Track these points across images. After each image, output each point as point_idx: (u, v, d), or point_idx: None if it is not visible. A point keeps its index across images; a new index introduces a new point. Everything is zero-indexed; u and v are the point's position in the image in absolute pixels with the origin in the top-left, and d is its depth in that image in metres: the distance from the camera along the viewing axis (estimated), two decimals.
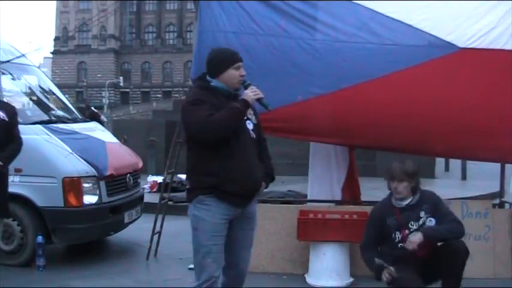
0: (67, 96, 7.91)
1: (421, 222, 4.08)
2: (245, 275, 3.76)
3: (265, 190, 8.28)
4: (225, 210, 3.48)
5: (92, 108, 15.92)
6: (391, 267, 3.93)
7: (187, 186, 3.65)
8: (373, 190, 7.09)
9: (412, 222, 4.08)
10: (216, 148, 3.43)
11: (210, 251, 3.47)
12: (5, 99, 5.81)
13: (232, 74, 3.55)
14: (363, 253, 4.28)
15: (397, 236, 4.11)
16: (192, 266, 5.40)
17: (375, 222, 4.24)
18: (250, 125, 3.60)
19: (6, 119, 4.48)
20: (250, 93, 3.51)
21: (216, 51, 3.70)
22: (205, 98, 3.47)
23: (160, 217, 6.03)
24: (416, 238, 3.95)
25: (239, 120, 3.48)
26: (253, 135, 3.60)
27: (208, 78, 3.59)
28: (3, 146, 4.43)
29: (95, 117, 9.51)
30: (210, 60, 3.61)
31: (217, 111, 3.38)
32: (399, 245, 4.09)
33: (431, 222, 4.08)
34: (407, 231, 4.06)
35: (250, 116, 3.62)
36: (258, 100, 3.55)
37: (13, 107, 4.78)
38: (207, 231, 3.47)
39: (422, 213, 4.10)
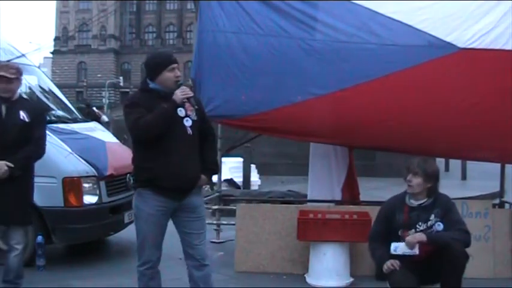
0: (67, 96, 7.90)
1: (429, 224, 4.07)
2: (205, 264, 3.91)
3: (265, 190, 8.28)
4: (160, 202, 3.75)
5: (94, 108, 15.79)
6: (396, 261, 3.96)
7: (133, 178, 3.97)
8: (373, 190, 7.11)
9: (420, 223, 4.07)
10: (151, 145, 3.68)
11: (146, 237, 3.81)
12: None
13: (167, 76, 3.74)
14: (369, 243, 4.28)
15: (401, 233, 4.11)
16: None
17: (385, 215, 4.22)
18: (188, 122, 3.76)
19: (27, 120, 4.35)
20: (179, 93, 3.69)
21: (152, 55, 4.00)
22: (140, 100, 3.76)
23: None
24: (418, 236, 3.96)
25: (167, 120, 3.66)
26: (190, 132, 3.76)
27: (148, 80, 3.81)
28: (18, 148, 4.29)
29: (94, 117, 9.50)
30: (146, 64, 3.85)
31: (150, 111, 3.64)
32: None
33: (439, 226, 4.06)
34: (412, 231, 4.05)
35: (189, 113, 3.77)
36: (188, 99, 3.73)
37: (42, 108, 4.65)
38: (144, 220, 3.80)
39: (432, 216, 4.07)
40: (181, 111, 3.75)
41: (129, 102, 3.83)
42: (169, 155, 3.69)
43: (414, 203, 4.13)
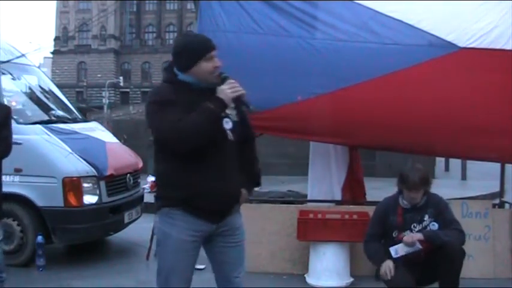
0: (67, 96, 7.91)
1: (423, 225, 4.09)
2: None
3: (265, 190, 8.29)
4: (194, 226, 2.95)
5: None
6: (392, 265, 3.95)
7: (155, 194, 3.18)
8: (373, 190, 7.09)
9: (415, 224, 4.09)
10: (186, 155, 2.87)
11: (174, 269, 2.98)
12: (4, 100, 5.81)
13: (205, 67, 2.92)
14: (365, 247, 4.27)
15: (395, 235, 4.12)
16: None
17: (379, 217, 4.24)
18: (228, 124, 2.97)
19: None
20: (228, 90, 2.89)
21: (183, 41, 3.08)
22: (173, 95, 2.89)
23: None
24: (415, 235, 3.96)
25: (214, 124, 2.87)
26: (231, 136, 2.97)
27: (175, 70, 2.99)
28: None
29: None
30: (176, 53, 3.00)
31: (189, 111, 2.82)
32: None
33: (434, 226, 4.08)
34: (405, 233, 4.06)
35: (229, 112, 2.97)
36: (238, 98, 2.93)
37: (6, 108, 4.56)
38: (172, 248, 2.97)
39: (426, 217, 4.10)
40: None
41: (160, 98, 2.92)
42: (208, 170, 2.90)
43: (408, 204, 4.14)
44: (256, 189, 3.82)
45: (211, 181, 2.90)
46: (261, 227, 5.54)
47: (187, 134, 2.80)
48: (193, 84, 2.95)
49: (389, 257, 4.03)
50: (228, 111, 2.95)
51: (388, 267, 3.94)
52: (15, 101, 6.31)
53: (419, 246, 3.96)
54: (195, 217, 2.94)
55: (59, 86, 7.84)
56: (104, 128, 7.28)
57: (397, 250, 4.01)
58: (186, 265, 3.01)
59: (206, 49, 2.95)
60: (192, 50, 2.94)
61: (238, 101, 2.94)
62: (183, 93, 2.90)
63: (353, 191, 5.96)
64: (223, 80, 2.95)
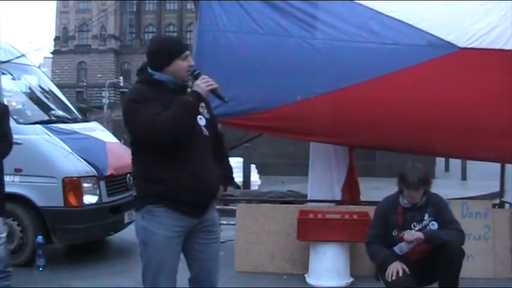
0: (67, 96, 7.91)
1: (423, 224, 4.09)
2: None
3: (265, 190, 8.27)
4: (178, 222, 3.03)
5: None
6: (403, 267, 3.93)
7: (134, 194, 3.23)
8: (373, 190, 7.12)
9: (415, 224, 4.09)
10: (165, 151, 2.97)
11: (161, 267, 3.07)
12: (4, 100, 5.82)
13: (180, 66, 3.06)
14: (368, 248, 4.24)
15: (395, 234, 4.12)
16: None
17: (380, 217, 4.23)
18: (202, 121, 3.12)
19: None
20: (203, 84, 3.01)
21: (159, 42, 3.26)
22: (150, 93, 3.00)
23: None
24: (415, 234, 3.97)
25: (193, 116, 3.00)
26: (206, 132, 3.12)
27: (150, 70, 3.12)
28: None
29: None
30: (153, 52, 3.12)
31: (166, 108, 2.93)
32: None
33: (433, 225, 4.09)
34: (405, 232, 4.06)
35: (202, 110, 3.11)
36: (212, 91, 3.06)
37: (4, 106, 4.69)
38: (158, 245, 3.03)
39: (426, 216, 4.10)
40: None
41: (136, 96, 3.02)
42: (188, 163, 3.00)
43: (408, 203, 4.14)
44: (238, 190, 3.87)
45: (191, 176, 3.00)
46: (261, 227, 5.54)
47: (165, 126, 2.89)
48: (170, 82, 3.07)
49: (396, 258, 4.02)
50: (200, 109, 3.07)
51: (397, 268, 3.92)
52: (15, 101, 6.32)
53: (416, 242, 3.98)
54: (178, 213, 3.02)
55: (59, 86, 7.84)
56: (104, 128, 7.28)
57: (402, 248, 4.02)
58: (172, 262, 3.08)
59: (181, 48, 3.09)
60: (169, 49, 3.08)
61: (213, 93, 3.07)
62: (160, 91, 3.02)
63: (351, 191, 5.97)
64: (196, 76, 3.08)
